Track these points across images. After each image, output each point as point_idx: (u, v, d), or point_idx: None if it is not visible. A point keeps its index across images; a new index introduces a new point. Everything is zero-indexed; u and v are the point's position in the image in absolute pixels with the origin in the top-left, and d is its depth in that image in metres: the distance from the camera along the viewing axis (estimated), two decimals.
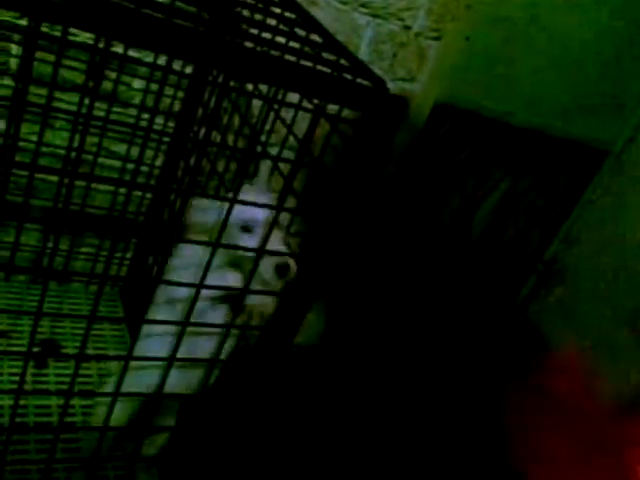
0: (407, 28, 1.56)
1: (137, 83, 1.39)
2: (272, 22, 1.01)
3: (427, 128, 1.62)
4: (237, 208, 0.87)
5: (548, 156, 1.80)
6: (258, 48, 0.89)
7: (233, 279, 1.01)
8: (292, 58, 0.88)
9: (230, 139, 1.38)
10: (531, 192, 1.88)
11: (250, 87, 1.22)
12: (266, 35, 0.95)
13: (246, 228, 1.01)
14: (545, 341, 2.01)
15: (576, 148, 1.76)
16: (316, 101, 0.93)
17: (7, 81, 1.31)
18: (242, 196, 0.93)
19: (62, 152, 1.36)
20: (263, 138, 1.31)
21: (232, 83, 1.31)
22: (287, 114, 1.15)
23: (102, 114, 1.36)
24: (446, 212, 1.85)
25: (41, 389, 1.26)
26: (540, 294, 2.06)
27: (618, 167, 1.67)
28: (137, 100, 1.39)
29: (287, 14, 1.08)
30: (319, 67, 0.86)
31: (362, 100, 0.88)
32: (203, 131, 1.35)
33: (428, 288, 1.95)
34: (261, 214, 0.99)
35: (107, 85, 1.35)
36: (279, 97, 1.03)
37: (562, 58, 1.59)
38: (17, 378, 1.22)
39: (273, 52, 0.86)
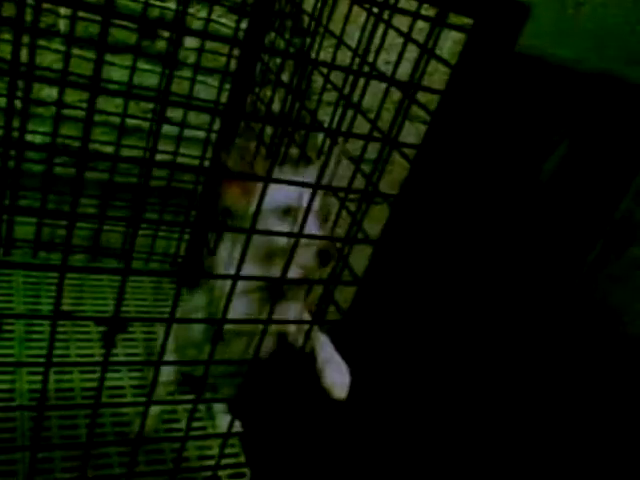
0: None
1: (190, 41, 1.31)
2: None
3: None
4: (281, 192, 0.84)
5: (617, 104, 1.70)
6: None
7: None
8: None
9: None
10: (599, 145, 1.78)
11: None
12: None
13: (287, 211, 0.91)
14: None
15: None
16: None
17: (56, 44, 1.23)
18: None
19: (117, 120, 1.28)
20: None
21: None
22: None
23: (156, 76, 1.29)
24: (510, 167, 1.75)
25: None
26: (610, 257, 1.94)
27: None
28: (192, 59, 1.31)
29: None
30: None
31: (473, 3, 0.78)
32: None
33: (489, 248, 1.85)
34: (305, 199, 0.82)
35: (160, 45, 1.27)
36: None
37: None
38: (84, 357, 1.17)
39: None
